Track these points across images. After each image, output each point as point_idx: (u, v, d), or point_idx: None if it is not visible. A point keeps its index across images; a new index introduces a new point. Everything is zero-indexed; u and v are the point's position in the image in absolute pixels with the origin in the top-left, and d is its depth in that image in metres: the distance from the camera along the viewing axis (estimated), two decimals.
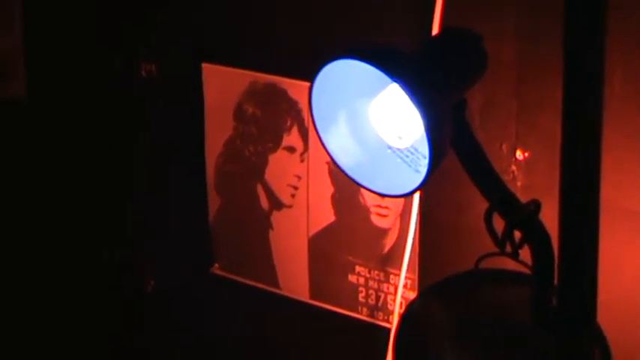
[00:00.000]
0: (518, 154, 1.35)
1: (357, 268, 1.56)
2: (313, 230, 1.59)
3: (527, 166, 1.35)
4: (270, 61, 1.55)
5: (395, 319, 1.51)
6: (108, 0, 1.71)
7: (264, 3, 1.55)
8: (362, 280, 1.57)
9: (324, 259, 1.60)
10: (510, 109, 1.34)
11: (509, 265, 1.10)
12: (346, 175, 1.03)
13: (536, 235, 1.04)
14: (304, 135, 1.54)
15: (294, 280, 1.64)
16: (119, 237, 1.89)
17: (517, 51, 1.31)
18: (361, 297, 1.58)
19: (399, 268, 1.49)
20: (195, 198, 1.71)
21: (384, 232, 1.51)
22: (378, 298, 1.56)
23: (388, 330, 1.53)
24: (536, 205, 1.03)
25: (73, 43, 1.78)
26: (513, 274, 1.15)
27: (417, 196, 1.43)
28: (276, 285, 1.68)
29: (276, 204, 1.62)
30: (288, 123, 1.55)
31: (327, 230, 1.58)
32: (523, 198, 1.06)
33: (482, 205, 1.06)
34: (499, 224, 1.05)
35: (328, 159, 1.05)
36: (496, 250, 1.06)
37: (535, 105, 1.31)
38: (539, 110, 1.31)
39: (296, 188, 1.58)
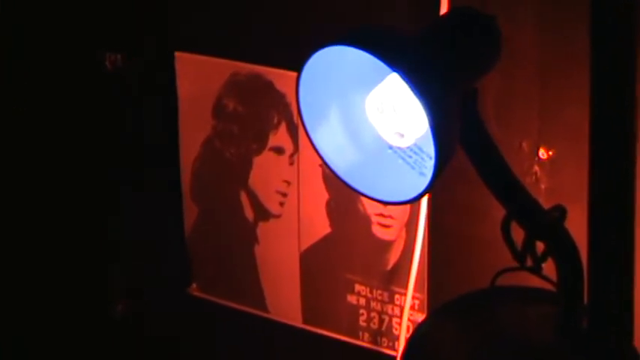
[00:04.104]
0: (542, 153, 1.35)
1: (357, 287, 1.56)
2: (306, 244, 1.59)
3: (552, 166, 1.35)
4: (253, 49, 1.54)
5: (401, 346, 1.51)
6: None
7: None
8: (363, 301, 1.56)
9: (318, 277, 1.60)
10: (532, 101, 1.34)
11: (531, 281, 1.09)
12: (340, 179, 1.03)
13: (561, 246, 1.04)
14: (294, 134, 1.54)
15: (285, 301, 1.64)
16: (85, 253, 1.88)
17: (540, 34, 1.31)
18: (362, 320, 1.57)
19: (406, 287, 1.50)
20: (169, 208, 1.71)
21: (387, 245, 1.51)
22: (381, 321, 1.56)
23: (393, 358, 1.54)
24: (561, 212, 1.04)
25: (26, 33, 1.78)
26: (536, 292, 1.16)
27: (424, 202, 1.43)
28: (264, 308, 1.68)
29: (263, 214, 1.62)
30: (275, 120, 1.55)
31: (322, 243, 1.57)
32: (547, 203, 1.06)
33: (500, 211, 1.06)
34: (519, 234, 1.05)
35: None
36: (515, 264, 1.06)
37: (561, 97, 1.32)
38: (566, 103, 1.31)
39: (285, 195, 1.58)
